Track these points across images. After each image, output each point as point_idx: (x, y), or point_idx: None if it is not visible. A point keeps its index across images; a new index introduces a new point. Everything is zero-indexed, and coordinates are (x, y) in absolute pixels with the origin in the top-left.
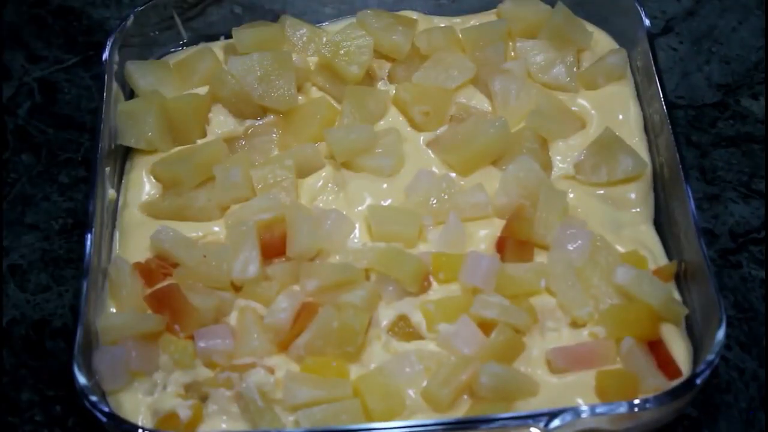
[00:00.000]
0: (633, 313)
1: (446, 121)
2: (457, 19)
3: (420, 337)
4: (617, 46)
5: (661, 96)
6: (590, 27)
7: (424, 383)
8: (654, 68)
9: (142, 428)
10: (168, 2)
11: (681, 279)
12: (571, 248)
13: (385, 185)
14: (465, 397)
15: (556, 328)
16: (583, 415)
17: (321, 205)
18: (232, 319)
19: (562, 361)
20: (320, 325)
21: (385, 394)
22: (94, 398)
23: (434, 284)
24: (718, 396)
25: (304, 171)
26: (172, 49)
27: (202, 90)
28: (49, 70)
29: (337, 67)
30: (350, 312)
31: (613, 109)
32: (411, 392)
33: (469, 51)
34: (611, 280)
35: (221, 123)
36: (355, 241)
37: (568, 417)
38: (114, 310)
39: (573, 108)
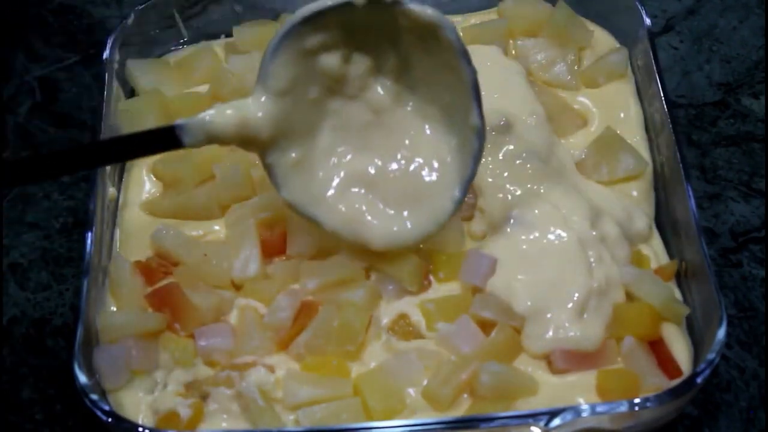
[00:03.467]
0: (634, 312)
1: None
2: (457, 18)
3: (420, 336)
4: (618, 45)
5: (662, 95)
6: (591, 25)
7: (425, 382)
8: (655, 67)
9: (142, 427)
10: (169, 1)
11: (681, 278)
12: None
13: None
14: (465, 396)
15: None
16: (584, 414)
17: None
18: (233, 317)
19: (563, 361)
20: (320, 324)
21: (386, 393)
22: (94, 397)
23: (434, 283)
24: (719, 395)
25: None
26: (173, 48)
27: (203, 88)
28: (50, 69)
29: None
30: (350, 311)
31: (614, 107)
32: (411, 391)
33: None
34: None
35: None
36: None
37: (568, 416)
38: (114, 309)
39: (575, 106)
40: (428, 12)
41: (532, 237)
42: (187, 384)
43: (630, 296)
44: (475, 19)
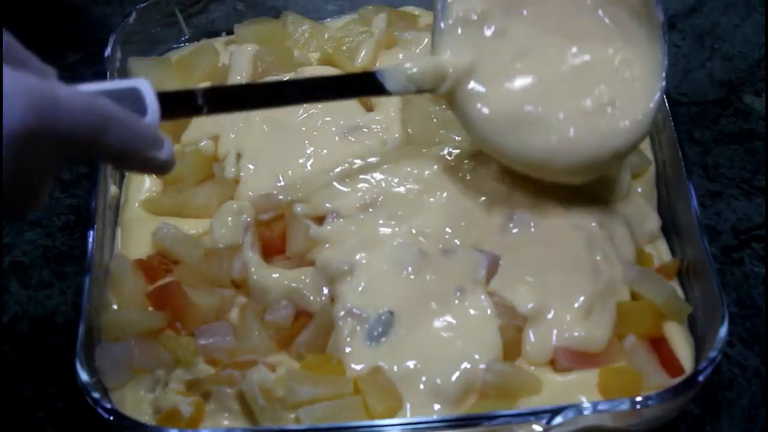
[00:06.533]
0: (636, 310)
1: None
2: None
3: None
4: None
5: (664, 93)
6: None
7: None
8: None
9: (144, 425)
10: None
11: (683, 276)
12: None
13: None
14: None
15: None
16: (586, 413)
17: None
18: (233, 316)
19: (567, 360)
20: (321, 322)
21: (386, 392)
22: (96, 395)
23: None
24: (721, 393)
25: None
26: (174, 46)
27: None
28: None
29: (339, 63)
30: None
31: None
32: None
33: None
34: None
35: None
36: None
37: (570, 414)
38: (116, 307)
39: None
40: None
41: (536, 237)
42: (188, 382)
43: (632, 294)
44: None
